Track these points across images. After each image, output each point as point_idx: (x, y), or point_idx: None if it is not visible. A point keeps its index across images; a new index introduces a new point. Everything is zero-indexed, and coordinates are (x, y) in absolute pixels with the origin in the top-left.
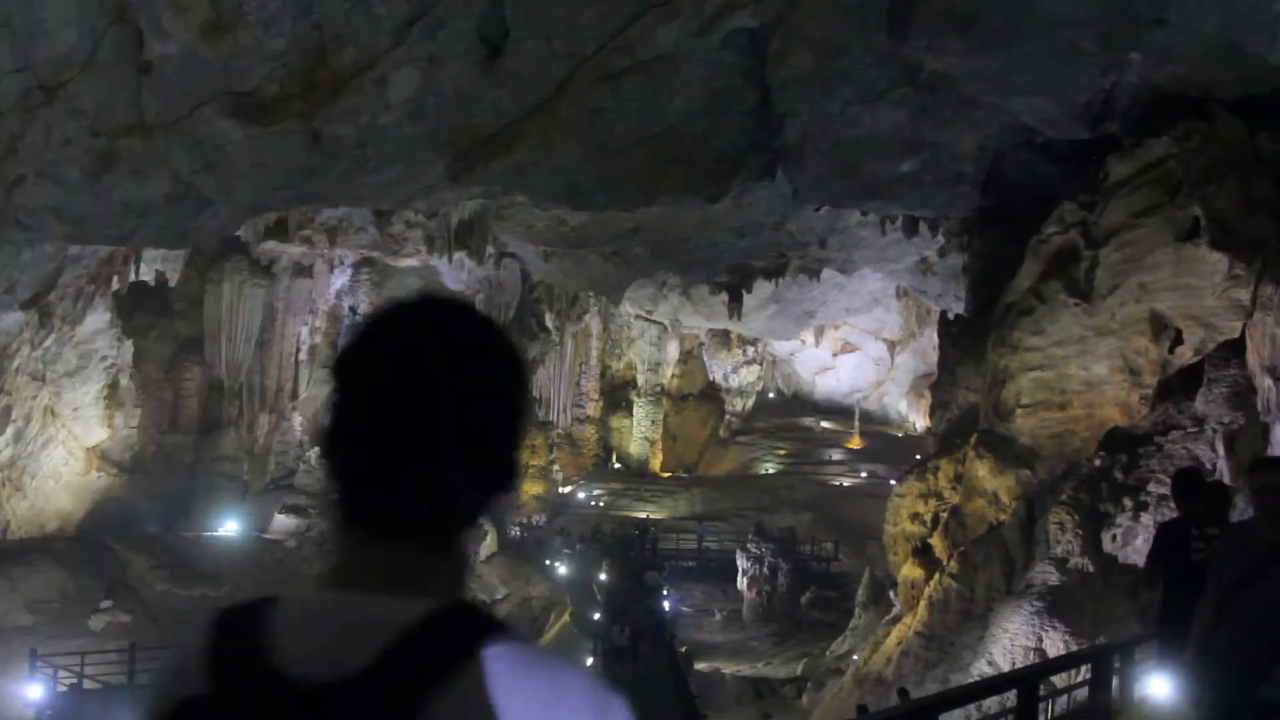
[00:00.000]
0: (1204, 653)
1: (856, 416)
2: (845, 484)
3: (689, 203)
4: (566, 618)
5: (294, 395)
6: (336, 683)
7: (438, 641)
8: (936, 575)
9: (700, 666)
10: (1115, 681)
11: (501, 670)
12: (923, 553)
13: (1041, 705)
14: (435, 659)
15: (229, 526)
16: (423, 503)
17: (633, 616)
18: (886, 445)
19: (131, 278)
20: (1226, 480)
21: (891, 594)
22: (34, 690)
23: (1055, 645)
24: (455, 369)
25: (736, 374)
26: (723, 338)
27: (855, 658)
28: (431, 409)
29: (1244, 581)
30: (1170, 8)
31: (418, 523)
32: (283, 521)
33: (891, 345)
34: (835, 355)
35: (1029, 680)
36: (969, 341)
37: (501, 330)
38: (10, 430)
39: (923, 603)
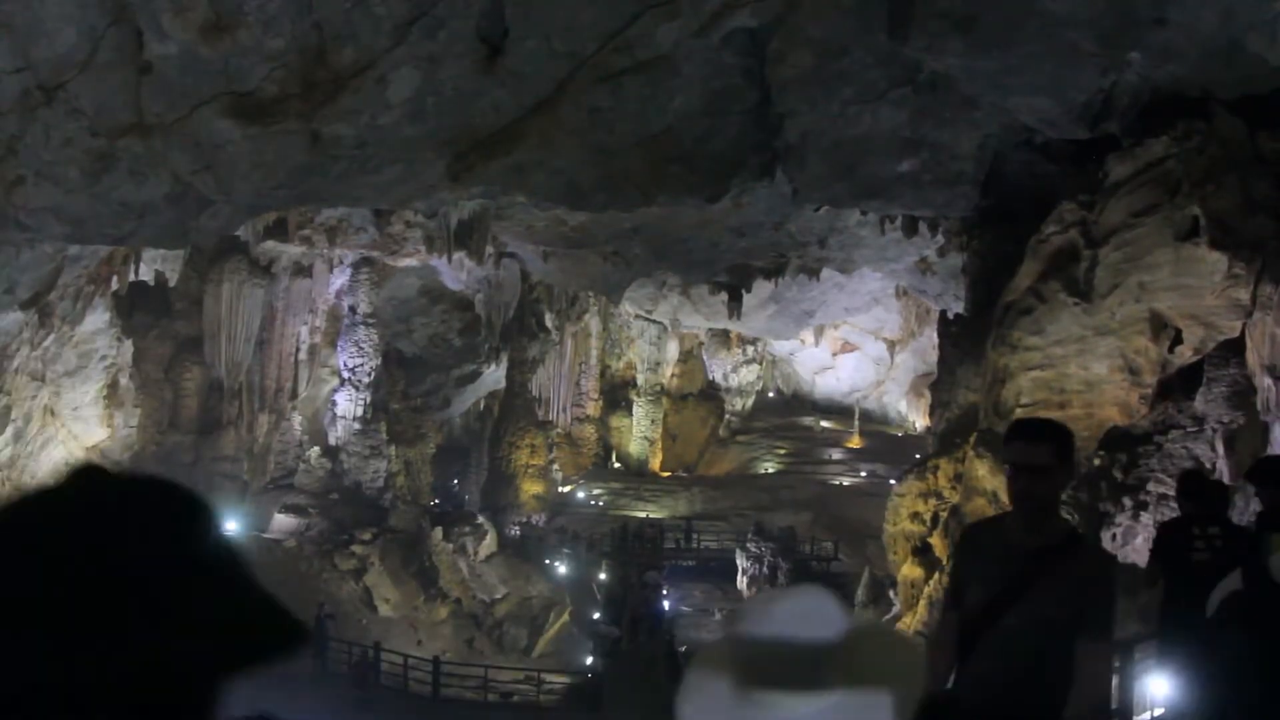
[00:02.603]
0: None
1: (856, 416)
2: (845, 483)
3: (689, 203)
4: (566, 617)
5: (294, 395)
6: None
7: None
8: (936, 575)
9: None
10: (1115, 681)
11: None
12: (923, 552)
13: None
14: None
15: (228, 526)
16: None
17: (630, 607)
18: (886, 445)
19: (131, 278)
20: (1227, 480)
21: (891, 593)
22: None
23: None
24: None
25: (736, 373)
26: (722, 337)
27: None
28: None
29: (1001, 602)
30: (1170, 7)
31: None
32: (282, 521)
33: (891, 345)
34: (835, 355)
35: None
36: (969, 341)
37: None
38: (10, 430)
39: (922, 602)
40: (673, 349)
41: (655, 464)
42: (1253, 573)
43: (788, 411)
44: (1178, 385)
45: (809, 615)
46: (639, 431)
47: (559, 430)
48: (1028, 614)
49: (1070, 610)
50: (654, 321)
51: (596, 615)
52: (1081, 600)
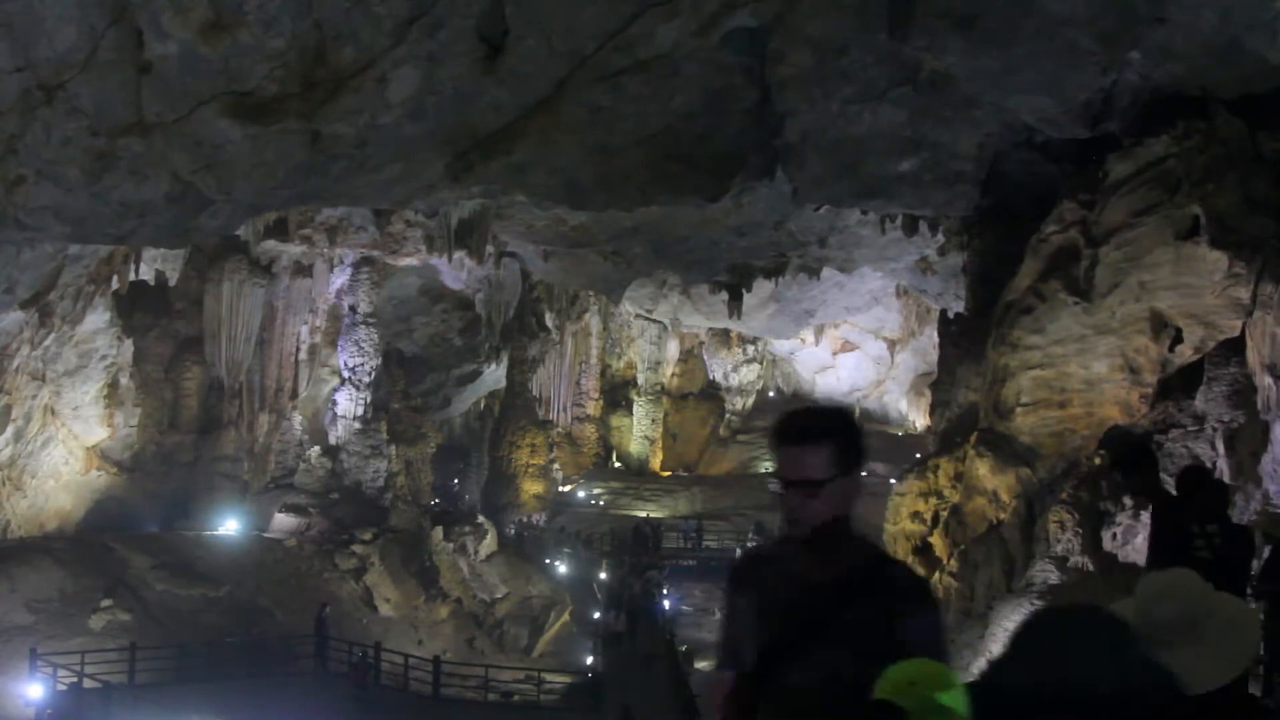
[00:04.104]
0: None
1: (857, 415)
2: None
3: (689, 202)
4: (566, 617)
5: (294, 394)
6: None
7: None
8: (936, 574)
9: (701, 665)
10: None
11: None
12: (923, 551)
13: None
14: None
15: (229, 525)
16: None
17: (629, 602)
18: (886, 444)
19: (131, 277)
20: (1227, 479)
21: None
22: (34, 689)
23: None
24: None
25: (736, 373)
26: (723, 337)
27: None
28: None
29: (778, 655)
30: (1170, 6)
31: None
32: (282, 520)
33: (891, 344)
34: (835, 354)
35: None
36: (969, 340)
37: None
38: (10, 429)
39: None
40: (673, 348)
41: (655, 463)
42: None
43: None
44: (1178, 384)
45: (1185, 577)
46: (639, 431)
47: (559, 430)
48: (816, 668)
49: (876, 660)
50: (654, 321)
51: (598, 615)
52: (891, 645)
